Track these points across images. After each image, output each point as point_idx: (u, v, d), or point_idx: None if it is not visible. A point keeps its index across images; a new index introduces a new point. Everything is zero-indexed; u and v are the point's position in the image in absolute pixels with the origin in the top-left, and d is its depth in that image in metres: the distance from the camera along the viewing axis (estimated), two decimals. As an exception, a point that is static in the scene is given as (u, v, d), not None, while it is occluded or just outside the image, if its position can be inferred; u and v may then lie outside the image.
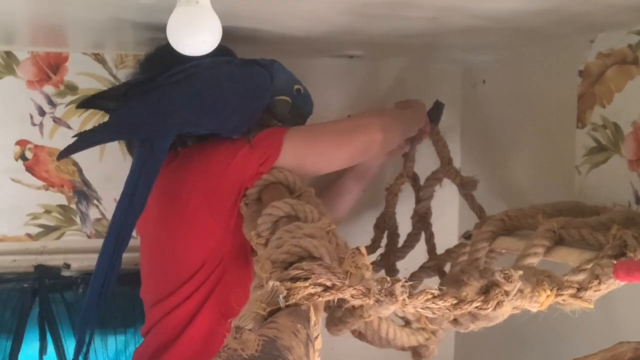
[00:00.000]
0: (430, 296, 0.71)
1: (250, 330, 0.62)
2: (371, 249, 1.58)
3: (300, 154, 1.28)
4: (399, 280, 0.69)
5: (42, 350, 1.59)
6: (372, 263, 1.56)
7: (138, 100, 1.21)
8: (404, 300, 0.69)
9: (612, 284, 0.84)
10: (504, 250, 1.17)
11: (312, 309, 0.68)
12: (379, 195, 1.68)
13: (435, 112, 1.60)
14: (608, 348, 0.92)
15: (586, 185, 1.33)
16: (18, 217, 1.59)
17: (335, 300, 0.71)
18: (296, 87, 1.35)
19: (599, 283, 0.82)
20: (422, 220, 1.58)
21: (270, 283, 0.67)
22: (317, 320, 0.69)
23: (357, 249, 0.75)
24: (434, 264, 1.45)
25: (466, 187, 1.48)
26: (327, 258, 0.76)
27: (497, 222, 1.16)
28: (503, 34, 1.41)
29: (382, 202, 1.62)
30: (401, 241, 1.60)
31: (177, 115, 1.22)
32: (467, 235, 1.29)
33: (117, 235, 1.19)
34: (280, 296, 0.65)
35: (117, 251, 1.19)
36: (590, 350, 0.93)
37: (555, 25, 1.26)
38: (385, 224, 1.60)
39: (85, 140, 1.21)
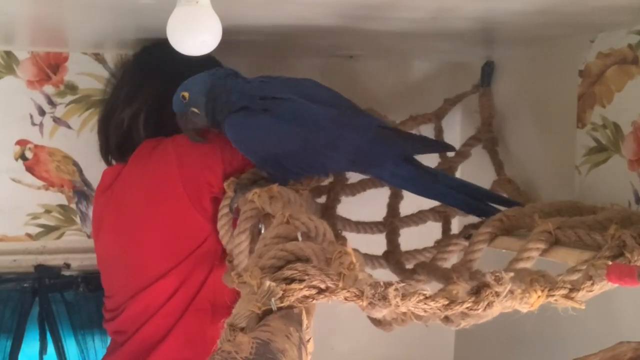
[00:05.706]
0: (422, 297, 0.71)
1: (243, 329, 0.62)
2: None
3: None
4: (391, 285, 0.69)
5: (42, 350, 1.59)
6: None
7: None
8: (396, 303, 0.69)
9: (605, 286, 0.83)
10: (503, 250, 1.16)
11: (304, 312, 0.68)
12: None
13: (487, 74, 1.68)
14: (608, 348, 0.92)
15: (586, 185, 1.33)
16: (18, 217, 1.59)
17: None
18: None
19: (592, 284, 0.82)
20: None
21: (267, 282, 0.67)
22: (309, 323, 0.69)
23: (344, 248, 0.75)
24: (442, 211, 1.46)
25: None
26: (315, 259, 0.76)
27: (496, 222, 1.15)
28: (503, 35, 1.41)
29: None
30: None
31: None
32: (467, 236, 1.29)
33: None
34: (273, 299, 0.65)
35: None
36: (590, 350, 0.93)
37: (555, 26, 1.26)
38: None
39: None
